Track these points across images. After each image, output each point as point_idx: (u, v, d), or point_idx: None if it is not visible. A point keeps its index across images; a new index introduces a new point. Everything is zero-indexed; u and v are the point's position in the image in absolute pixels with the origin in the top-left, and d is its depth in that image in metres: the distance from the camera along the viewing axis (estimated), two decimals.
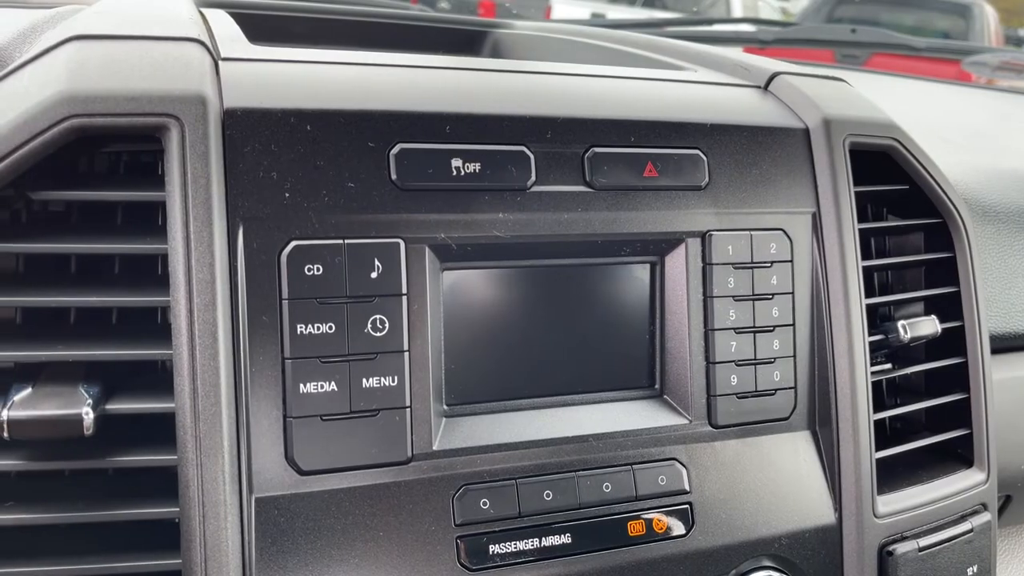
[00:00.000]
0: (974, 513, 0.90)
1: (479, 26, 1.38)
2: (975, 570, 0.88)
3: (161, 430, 0.63)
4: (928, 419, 0.95)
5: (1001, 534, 1.13)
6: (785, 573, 0.78)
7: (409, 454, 0.68)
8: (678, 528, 0.75)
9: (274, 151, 0.65)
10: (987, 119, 1.53)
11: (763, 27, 1.92)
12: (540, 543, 0.71)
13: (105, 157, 0.69)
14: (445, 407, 0.72)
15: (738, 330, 0.79)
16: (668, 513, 0.75)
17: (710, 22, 2.05)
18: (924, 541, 0.84)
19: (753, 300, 0.80)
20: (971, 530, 0.88)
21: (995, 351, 1.01)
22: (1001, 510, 1.10)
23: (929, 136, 0.94)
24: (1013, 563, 1.14)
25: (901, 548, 0.83)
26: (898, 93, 1.62)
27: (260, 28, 0.97)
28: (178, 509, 0.61)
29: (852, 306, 0.82)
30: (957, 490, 0.89)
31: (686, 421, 0.78)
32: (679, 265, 0.78)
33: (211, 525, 0.61)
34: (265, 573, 0.63)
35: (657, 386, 0.80)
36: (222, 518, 0.61)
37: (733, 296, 0.79)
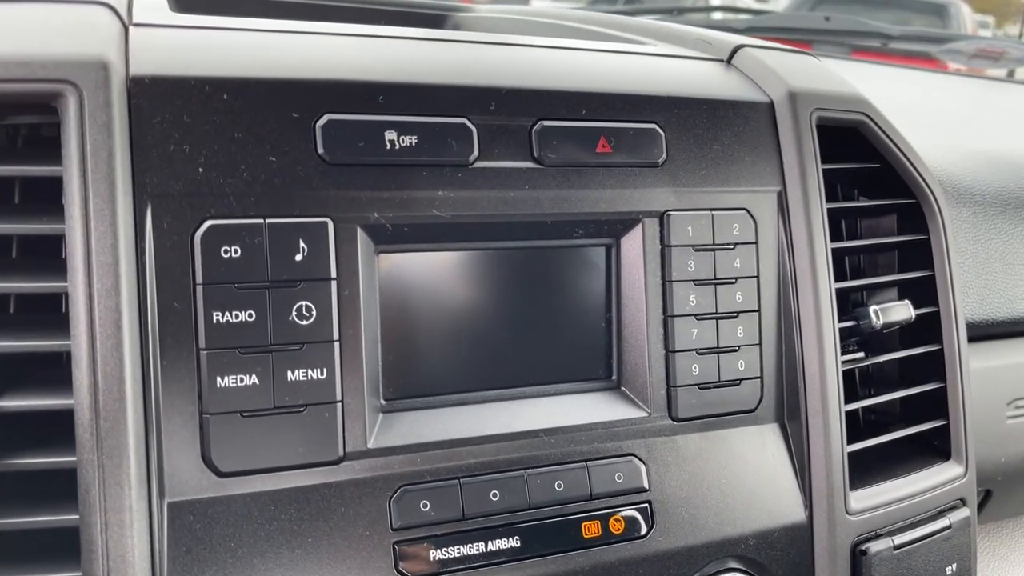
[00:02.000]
0: (952, 508, 0.85)
1: (439, 9, 1.32)
2: (954, 569, 0.84)
3: (63, 430, 0.57)
4: (903, 410, 0.90)
5: (981, 531, 1.09)
6: (752, 575, 0.73)
7: (341, 453, 0.63)
8: (636, 529, 0.70)
9: (186, 123, 0.59)
10: (962, 104, 1.50)
11: (735, 15, 1.87)
12: (486, 547, 0.65)
13: (3, 130, 0.63)
14: (382, 402, 0.66)
15: (699, 316, 0.74)
16: (626, 512, 0.70)
17: (681, 11, 2.00)
18: (899, 539, 0.79)
19: (715, 284, 0.75)
20: (949, 527, 0.83)
21: (971, 339, 0.97)
22: (981, 505, 1.06)
23: (902, 118, 0.90)
24: (994, 561, 1.09)
25: (875, 547, 0.78)
26: (871, 79, 1.58)
27: (206, 5, 0.91)
28: (78, 517, 0.55)
29: (821, 290, 0.77)
30: (934, 484, 0.84)
31: (645, 414, 0.73)
32: (636, 247, 0.73)
33: (115, 533, 0.55)
34: None
35: (614, 377, 0.74)
36: (127, 526, 0.55)
37: (694, 280, 0.74)
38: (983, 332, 1.01)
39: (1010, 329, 1.03)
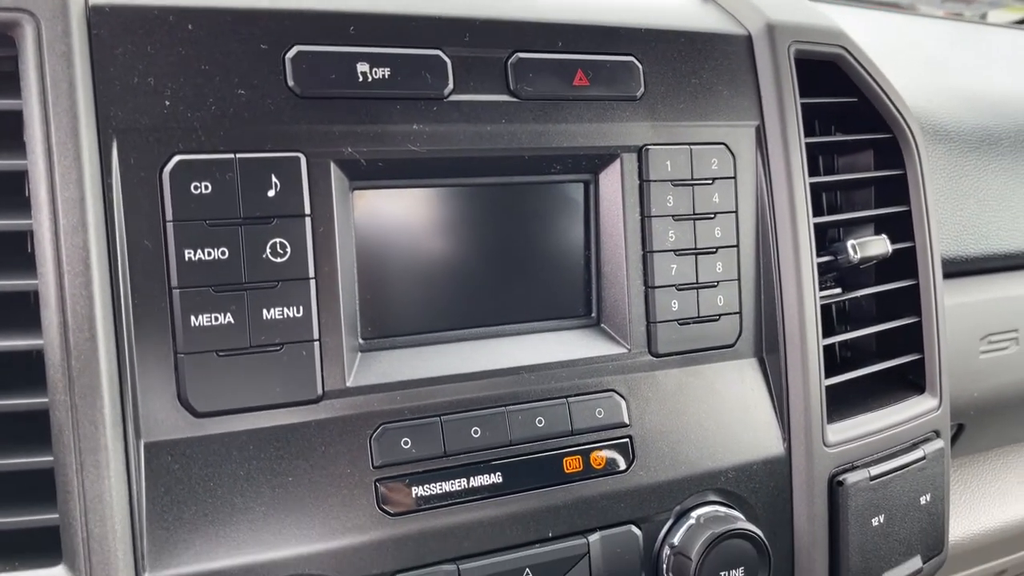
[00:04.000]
0: (926, 440, 0.87)
1: None
2: (928, 498, 0.85)
3: (33, 374, 0.56)
4: (879, 346, 0.91)
5: (953, 464, 1.11)
6: (732, 507, 0.74)
7: (319, 392, 0.62)
8: (617, 463, 0.70)
9: (151, 54, 0.57)
10: (938, 45, 1.49)
11: None
12: (468, 483, 0.65)
13: None
14: (361, 341, 0.66)
15: (679, 252, 0.74)
16: (606, 448, 0.70)
17: None
18: (876, 470, 0.81)
19: (694, 220, 0.75)
20: (924, 458, 0.85)
21: (946, 276, 0.98)
22: (954, 439, 1.07)
23: (878, 57, 0.89)
24: (966, 493, 1.12)
25: (852, 478, 0.79)
26: (846, 20, 1.57)
27: None
28: (52, 458, 0.54)
29: (799, 225, 0.77)
30: (909, 417, 0.85)
31: (625, 350, 0.73)
32: (614, 183, 0.72)
33: (91, 474, 0.54)
34: (157, 526, 0.57)
35: (594, 314, 0.74)
36: (103, 466, 0.54)
37: (672, 215, 0.74)
38: (957, 268, 1.02)
39: (983, 265, 1.04)
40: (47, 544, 0.54)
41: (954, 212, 1.01)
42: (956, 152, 1.04)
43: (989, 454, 1.15)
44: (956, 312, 1.00)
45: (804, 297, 0.77)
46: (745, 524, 0.71)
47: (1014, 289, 1.06)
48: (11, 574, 0.53)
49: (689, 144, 0.74)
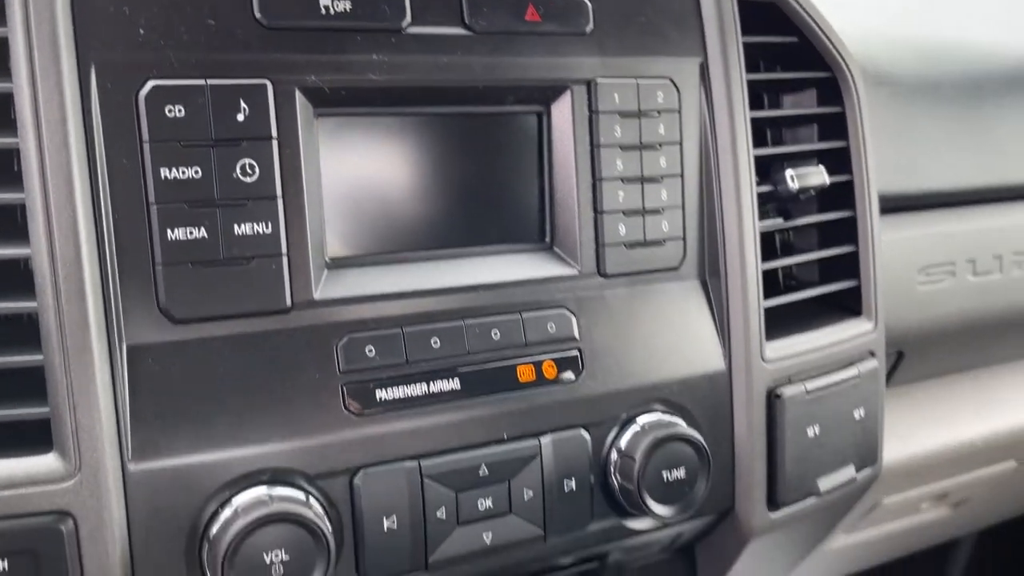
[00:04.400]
0: (862, 360, 0.93)
1: None
2: (862, 413, 0.92)
3: (21, 283, 0.60)
4: (820, 275, 0.97)
5: (894, 393, 1.18)
6: (675, 416, 0.80)
7: (288, 303, 0.67)
8: (568, 374, 0.76)
9: None
10: None
11: None
12: (428, 389, 0.71)
13: None
14: (327, 259, 0.71)
15: (626, 180, 0.79)
16: (558, 359, 0.76)
17: None
18: (811, 384, 0.87)
19: (640, 150, 0.80)
20: (858, 375, 0.91)
21: (885, 211, 1.04)
22: (894, 368, 1.14)
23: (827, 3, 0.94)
24: (907, 419, 1.18)
25: (789, 391, 0.85)
26: None
27: None
28: (42, 357, 0.59)
29: (740, 156, 0.83)
30: (845, 337, 0.91)
31: (575, 271, 0.78)
32: (565, 114, 0.77)
33: (78, 372, 0.59)
34: (140, 421, 0.62)
35: (547, 239, 0.79)
36: (89, 365, 0.59)
37: (620, 145, 0.79)
38: (896, 204, 1.08)
39: (922, 202, 1.10)
40: (39, 437, 0.60)
41: (895, 151, 1.06)
42: (899, 95, 1.10)
43: (930, 383, 1.21)
44: (895, 246, 1.06)
45: (744, 223, 0.83)
46: (686, 429, 0.77)
47: (951, 226, 1.12)
48: (6, 460, 0.58)
49: (636, 78, 0.79)
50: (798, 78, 0.92)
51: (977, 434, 1.20)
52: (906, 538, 1.48)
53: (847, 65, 0.91)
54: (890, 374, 1.14)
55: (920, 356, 1.14)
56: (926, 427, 1.18)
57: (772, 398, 0.85)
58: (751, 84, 0.85)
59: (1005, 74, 1.18)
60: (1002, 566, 2.29)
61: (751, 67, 0.87)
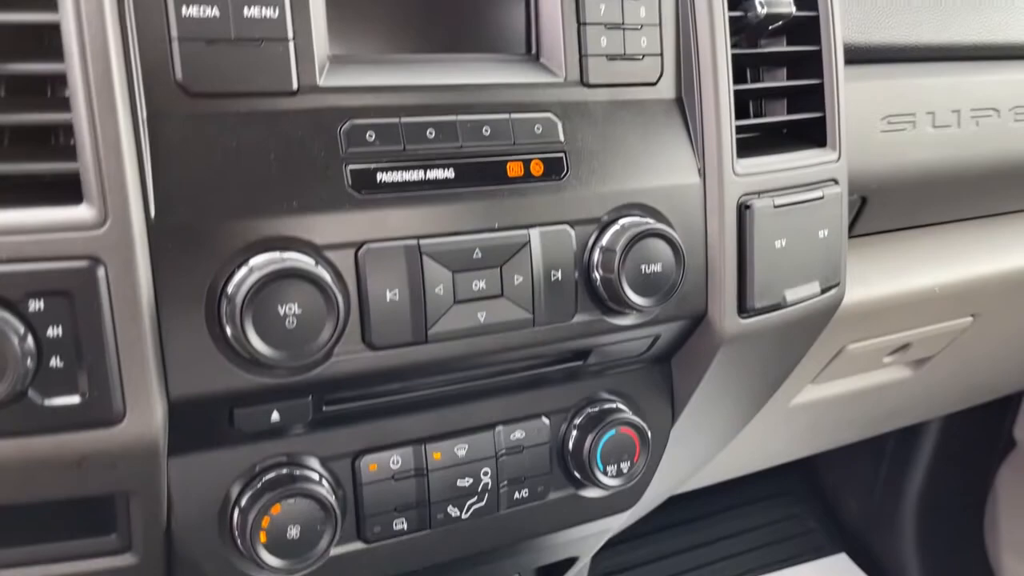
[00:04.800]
0: (826, 184, 0.99)
1: None
2: (826, 233, 0.98)
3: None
4: (787, 110, 1.03)
5: (858, 242, 1.25)
6: (652, 217, 0.86)
7: (295, 86, 0.72)
8: (553, 172, 0.82)
9: None
10: None
11: None
12: (424, 175, 0.76)
13: None
14: (330, 53, 0.76)
15: None
16: (544, 159, 0.82)
17: None
18: (779, 199, 0.93)
19: None
20: (823, 197, 0.97)
21: (851, 61, 1.10)
22: (858, 214, 1.21)
23: None
24: (870, 267, 1.26)
25: (758, 203, 0.91)
26: None
27: None
28: (71, 115, 0.64)
29: None
30: (811, 163, 0.98)
31: (560, 79, 0.84)
32: None
33: (104, 129, 0.64)
34: (162, 184, 0.67)
35: (533, 51, 0.85)
36: (114, 124, 0.64)
37: None
38: (862, 56, 1.14)
39: (887, 55, 1.16)
40: (71, 196, 0.65)
41: (862, 3, 1.12)
42: None
43: (891, 236, 1.29)
44: (859, 94, 1.12)
45: (717, 43, 0.89)
46: (663, 226, 0.84)
47: (914, 79, 1.18)
48: (41, 209, 0.63)
49: None
50: None
51: (936, 281, 1.28)
52: (871, 401, 1.56)
53: None
54: (853, 221, 1.22)
55: (882, 204, 1.21)
56: (887, 274, 1.26)
57: (742, 209, 0.91)
58: None
59: None
60: (966, 455, 2.41)
61: None
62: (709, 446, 1.26)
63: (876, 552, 2.57)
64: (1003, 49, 1.25)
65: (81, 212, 0.64)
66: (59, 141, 0.68)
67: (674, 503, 1.85)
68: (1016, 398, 2.33)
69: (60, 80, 0.65)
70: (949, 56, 1.22)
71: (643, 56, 0.87)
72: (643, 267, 0.83)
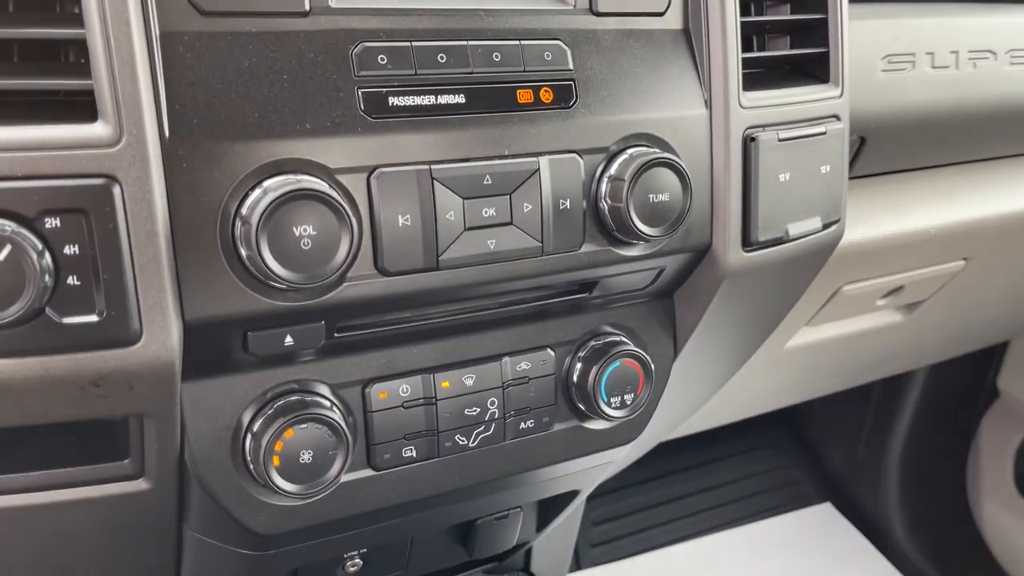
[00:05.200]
0: (828, 120, 1.00)
1: None
2: (828, 169, 0.99)
3: None
4: (791, 47, 1.03)
5: (857, 184, 1.26)
6: (660, 148, 0.86)
7: (307, 7, 0.72)
8: (563, 100, 0.82)
9: None
10: None
11: None
12: (436, 100, 0.76)
13: None
14: None
15: None
16: (554, 86, 0.82)
17: None
18: (784, 133, 0.94)
19: None
20: (825, 132, 0.98)
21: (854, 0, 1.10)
22: (858, 153, 1.22)
23: None
24: (867, 208, 1.27)
25: (763, 136, 0.92)
26: None
27: None
28: (84, 30, 0.63)
29: None
30: (814, 98, 0.98)
31: (570, 7, 0.83)
32: None
33: (118, 47, 0.63)
34: (176, 103, 0.67)
35: None
36: (128, 41, 0.64)
37: None
38: None
39: None
40: (82, 113, 0.64)
41: None
42: None
43: (888, 178, 1.30)
44: (860, 32, 1.12)
45: None
46: (670, 155, 0.84)
47: (915, 17, 1.19)
48: (57, 126, 0.63)
49: None
50: None
51: (931, 223, 1.29)
52: (863, 346, 1.59)
53: None
54: (852, 161, 1.22)
55: (880, 144, 1.22)
56: (884, 215, 1.27)
57: (747, 141, 0.92)
58: None
59: None
60: (950, 406, 2.45)
61: None
62: (708, 384, 1.28)
63: (860, 501, 2.62)
64: None
65: (96, 130, 0.64)
66: (68, 58, 0.67)
67: (663, 454, 1.88)
68: (999, 349, 2.37)
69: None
70: None
71: None
72: (651, 196, 0.84)
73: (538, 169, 0.80)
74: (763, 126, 0.93)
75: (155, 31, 0.67)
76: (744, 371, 1.31)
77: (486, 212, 0.79)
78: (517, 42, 0.80)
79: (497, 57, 0.79)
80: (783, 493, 2.70)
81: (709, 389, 1.31)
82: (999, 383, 2.37)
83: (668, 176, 0.84)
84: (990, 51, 1.25)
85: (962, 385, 2.46)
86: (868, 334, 1.56)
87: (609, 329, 0.98)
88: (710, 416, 1.73)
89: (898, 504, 2.54)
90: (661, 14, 0.88)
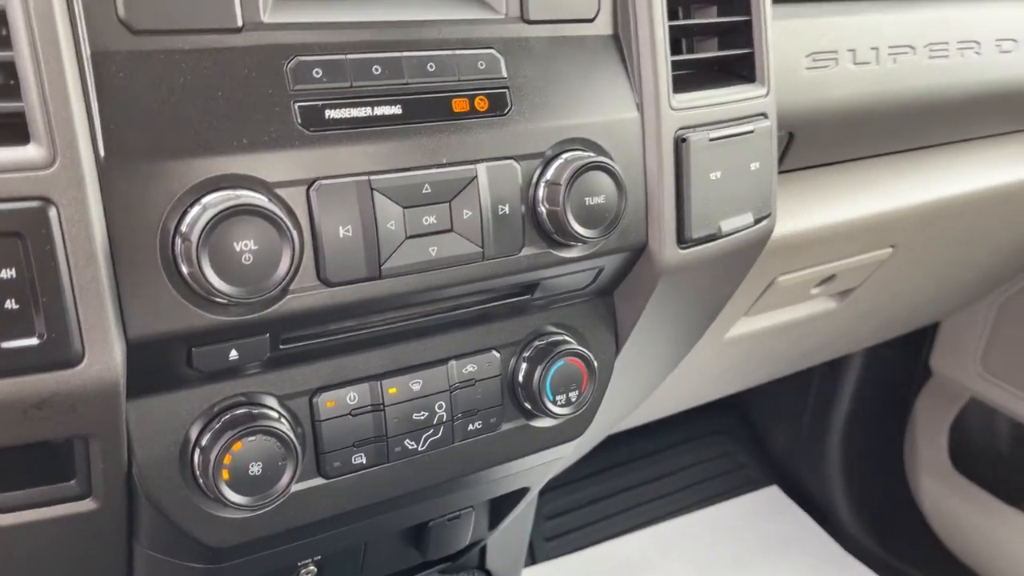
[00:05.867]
0: (756, 119, 1.03)
1: None
2: (758, 166, 1.03)
3: None
4: (718, 48, 1.06)
5: (787, 177, 1.30)
6: (594, 152, 0.88)
7: (239, 23, 0.72)
8: (498, 107, 0.84)
9: None
10: None
11: None
12: (372, 112, 0.77)
13: None
14: None
15: None
16: (488, 95, 0.83)
17: None
18: (714, 133, 0.97)
19: None
20: (753, 131, 1.02)
21: (778, 1, 1.14)
22: (786, 150, 1.26)
23: None
24: (797, 201, 1.32)
25: (694, 136, 0.95)
26: None
27: None
28: (12, 53, 0.63)
29: None
30: (742, 98, 1.02)
31: (501, 15, 0.85)
32: None
33: (48, 68, 0.63)
34: (110, 122, 0.67)
35: None
36: (58, 61, 0.63)
37: None
38: None
39: None
40: (13, 135, 0.64)
41: None
42: None
43: (818, 171, 1.35)
44: (784, 32, 1.16)
45: None
46: (604, 159, 0.86)
47: (836, 16, 1.23)
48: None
49: None
50: None
51: (860, 213, 1.35)
52: (800, 333, 1.64)
53: None
54: (782, 156, 1.27)
55: (808, 139, 1.26)
56: (814, 207, 1.32)
57: (679, 143, 0.94)
58: None
59: None
60: (887, 386, 2.54)
61: None
62: (650, 377, 1.31)
63: (805, 482, 2.70)
64: None
65: (29, 152, 0.63)
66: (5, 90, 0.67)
67: (613, 446, 1.92)
68: (931, 331, 2.46)
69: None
70: None
71: None
72: (587, 199, 0.86)
73: (476, 176, 0.82)
74: (694, 127, 0.96)
75: (86, 51, 0.66)
76: (686, 362, 1.34)
77: (426, 220, 0.80)
78: (451, 52, 0.82)
79: (431, 68, 0.80)
80: (731, 478, 2.77)
81: (652, 381, 1.34)
82: (931, 363, 2.46)
83: (603, 179, 0.87)
84: (909, 46, 1.30)
85: (897, 366, 2.55)
86: (805, 322, 1.61)
87: (552, 329, 1.00)
88: (656, 407, 1.77)
89: (841, 484, 2.62)
90: (591, 20, 0.90)
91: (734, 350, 1.53)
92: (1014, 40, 1.44)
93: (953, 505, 2.41)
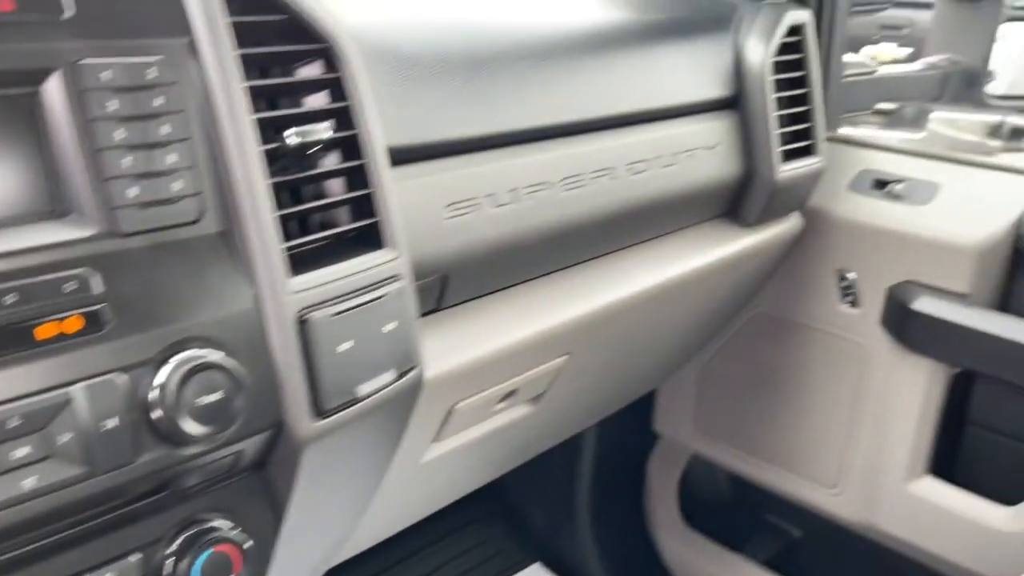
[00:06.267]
0: (388, 282, 1.10)
1: None
2: (394, 326, 1.10)
3: None
4: (351, 219, 1.13)
5: (452, 312, 1.39)
6: (211, 348, 0.91)
7: None
8: (94, 326, 0.84)
9: None
10: None
11: None
12: None
13: None
14: None
15: (133, 147, 0.89)
16: (84, 314, 0.84)
17: None
18: (337, 307, 1.03)
19: (143, 120, 0.89)
20: (385, 295, 1.08)
21: (410, 160, 1.24)
22: (444, 290, 1.35)
23: None
24: (464, 334, 1.41)
25: (316, 315, 1.00)
26: None
27: None
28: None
29: (240, 120, 0.95)
30: (371, 265, 1.08)
31: (94, 233, 0.86)
32: (56, 94, 0.84)
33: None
34: None
35: (61, 208, 0.87)
36: None
37: (120, 117, 0.88)
38: (420, 154, 1.27)
39: (444, 150, 1.31)
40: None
41: (399, 111, 1.25)
42: (405, 66, 1.29)
43: (483, 300, 1.45)
44: (421, 187, 1.25)
45: (253, 177, 0.96)
46: (214, 357, 0.89)
47: (472, 167, 1.34)
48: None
49: (125, 56, 0.88)
50: (296, 50, 1.07)
51: (531, 332, 1.46)
52: (502, 440, 1.73)
53: (335, 37, 1.07)
54: (441, 296, 1.36)
55: (465, 278, 1.36)
56: (482, 335, 1.41)
57: (302, 323, 0.99)
58: (250, 57, 0.99)
59: (501, 48, 1.42)
60: (623, 453, 2.72)
61: (250, 42, 1.00)
62: (344, 520, 1.34)
63: (564, 554, 2.82)
64: (547, 131, 1.46)
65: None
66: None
67: (380, 549, 1.91)
68: (653, 395, 2.68)
69: None
70: (501, 143, 1.40)
71: (180, 199, 0.92)
72: (201, 399, 0.88)
73: (70, 399, 0.82)
74: (317, 305, 1.01)
75: None
76: (385, 490, 1.38)
77: (18, 453, 0.79)
78: (31, 280, 0.82)
79: (11, 299, 0.80)
80: (496, 562, 2.84)
81: (349, 520, 1.37)
82: (655, 427, 2.67)
83: (216, 376, 0.89)
84: (546, 183, 1.45)
85: (629, 433, 2.75)
86: (507, 428, 1.71)
87: (204, 516, 1.01)
88: (386, 526, 1.80)
89: (594, 548, 2.77)
90: (195, 222, 0.94)
91: (436, 469, 1.60)
92: (644, 160, 1.63)
93: (689, 558, 2.61)
